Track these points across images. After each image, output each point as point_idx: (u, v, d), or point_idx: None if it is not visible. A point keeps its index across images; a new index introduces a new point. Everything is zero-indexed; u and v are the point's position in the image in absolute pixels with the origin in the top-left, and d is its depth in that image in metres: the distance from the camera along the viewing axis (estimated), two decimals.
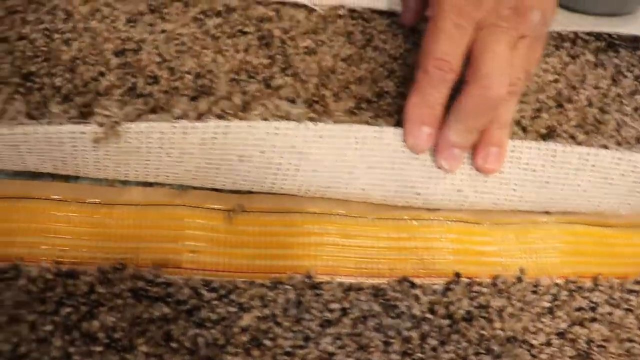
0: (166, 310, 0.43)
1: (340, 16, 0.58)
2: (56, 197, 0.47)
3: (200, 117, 0.44)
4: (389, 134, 0.48)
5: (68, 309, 0.43)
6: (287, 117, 0.46)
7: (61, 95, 0.49)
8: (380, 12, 0.59)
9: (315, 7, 0.58)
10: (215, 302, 0.44)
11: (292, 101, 0.51)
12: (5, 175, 0.48)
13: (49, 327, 0.42)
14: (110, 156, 0.45)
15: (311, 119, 0.46)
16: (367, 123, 0.48)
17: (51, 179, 0.48)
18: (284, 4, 0.58)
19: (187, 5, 0.56)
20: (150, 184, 0.49)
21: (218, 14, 0.56)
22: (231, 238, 0.48)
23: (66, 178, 0.48)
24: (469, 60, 0.48)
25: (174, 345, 0.42)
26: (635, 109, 0.59)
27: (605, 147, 0.52)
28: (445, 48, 0.48)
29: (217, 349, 0.42)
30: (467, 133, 0.49)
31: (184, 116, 0.44)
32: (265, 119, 0.45)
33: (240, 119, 0.45)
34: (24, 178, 0.48)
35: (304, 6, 0.58)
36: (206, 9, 0.56)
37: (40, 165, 0.46)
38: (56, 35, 0.53)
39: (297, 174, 0.47)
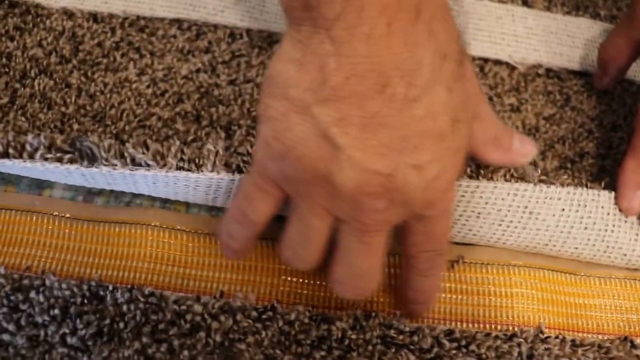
0: (412, 357, 0.46)
1: (539, 75, 0.60)
2: None
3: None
4: (605, 197, 0.50)
5: (322, 352, 0.45)
6: (523, 178, 0.48)
7: None
8: (574, 72, 0.61)
9: (517, 65, 0.60)
10: (454, 352, 0.46)
11: None
12: None
13: None
14: None
15: (541, 181, 0.49)
16: (586, 186, 0.50)
17: None
18: (486, 60, 0.60)
19: None
20: None
21: None
22: (453, 287, 0.50)
23: None
24: None
25: None
26: None
27: None
28: None
29: None
30: None
31: None
32: (507, 180, 0.47)
33: (487, 179, 0.47)
34: None
35: (506, 63, 0.60)
36: None
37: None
38: None
39: (523, 232, 0.50)
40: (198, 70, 0.55)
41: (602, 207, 0.50)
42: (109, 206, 0.51)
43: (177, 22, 0.58)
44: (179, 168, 0.45)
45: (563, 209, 0.49)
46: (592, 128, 0.58)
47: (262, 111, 0.38)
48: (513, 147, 0.46)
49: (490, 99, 0.57)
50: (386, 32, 0.33)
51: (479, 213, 0.48)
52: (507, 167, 0.47)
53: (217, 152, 0.45)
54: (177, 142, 0.45)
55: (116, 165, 0.44)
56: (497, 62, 0.60)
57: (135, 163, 0.44)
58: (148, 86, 0.54)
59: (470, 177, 0.47)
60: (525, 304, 0.50)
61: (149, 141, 0.45)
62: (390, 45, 0.34)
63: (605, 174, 0.55)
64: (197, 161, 0.45)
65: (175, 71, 0.55)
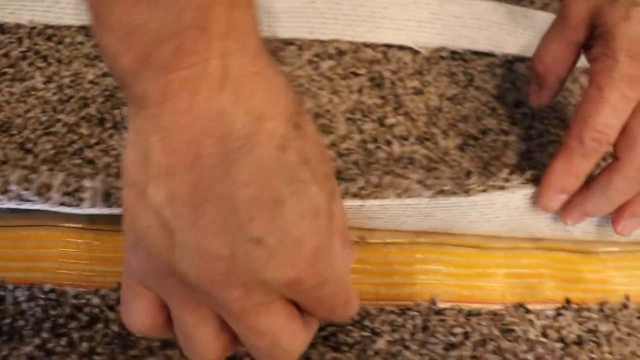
0: None
1: (442, 57, 0.61)
2: None
3: (344, 196, 0.48)
4: (518, 196, 0.50)
5: None
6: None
7: None
8: (478, 53, 0.62)
9: (420, 50, 0.61)
10: (350, 327, 0.48)
11: (405, 139, 0.55)
12: None
13: None
14: None
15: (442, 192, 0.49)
16: (502, 188, 0.50)
17: None
18: (390, 46, 0.61)
19: (301, 48, 0.60)
20: None
21: (330, 56, 0.60)
22: (354, 267, 0.51)
23: None
24: (623, 131, 0.46)
25: None
26: None
27: None
28: (608, 120, 0.45)
29: None
30: (609, 207, 0.49)
31: None
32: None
33: (373, 197, 0.48)
34: None
35: (410, 48, 0.61)
36: (320, 52, 0.60)
37: None
38: None
39: (423, 223, 0.51)
40: (104, 75, 0.57)
41: (516, 208, 0.51)
42: (17, 211, 0.52)
43: (84, 29, 0.60)
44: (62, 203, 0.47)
45: (465, 213, 0.50)
46: (495, 106, 0.59)
47: (121, 204, 0.36)
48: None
49: (393, 83, 0.59)
50: (190, 105, 0.32)
51: (369, 218, 0.49)
52: None
53: (94, 189, 0.47)
54: (61, 175, 0.47)
55: (2, 200, 0.47)
56: (401, 48, 0.61)
57: (21, 199, 0.46)
58: (54, 93, 0.56)
59: (355, 195, 0.48)
60: (428, 280, 0.51)
61: (32, 176, 0.47)
62: (197, 115, 0.32)
63: (508, 149, 0.57)
64: (77, 195, 0.47)
65: (82, 77, 0.57)
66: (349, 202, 0.47)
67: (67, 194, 0.47)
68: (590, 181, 0.48)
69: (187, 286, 0.34)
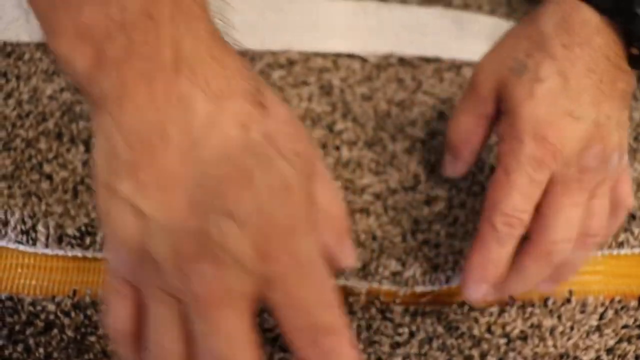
0: None
1: (390, 64, 0.63)
2: None
3: None
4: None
5: None
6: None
7: None
8: (427, 59, 0.64)
9: (368, 57, 0.63)
10: None
11: (354, 143, 0.57)
12: None
13: None
14: None
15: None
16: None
17: None
18: (339, 55, 0.63)
19: (254, 59, 0.62)
20: None
21: (281, 66, 0.62)
22: None
23: None
24: (536, 211, 0.46)
25: None
26: None
27: None
28: (518, 204, 0.44)
29: None
30: (526, 288, 0.48)
31: None
32: None
33: None
34: None
35: (359, 56, 0.63)
36: (271, 62, 0.62)
37: None
38: None
39: None
40: (62, 90, 0.59)
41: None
42: None
43: (43, 45, 0.61)
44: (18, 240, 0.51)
45: None
46: (443, 109, 0.61)
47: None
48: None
49: (342, 90, 0.60)
50: (148, 95, 0.33)
51: None
52: None
53: (48, 234, 0.51)
54: (17, 214, 0.51)
55: None
56: (351, 56, 0.63)
57: None
58: (13, 109, 0.57)
59: None
60: None
61: None
62: (158, 104, 0.33)
63: None
64: (32, 235, 0.50)
65: (41, 92, 0.58)
66: None
67: (23, 232, 0.50)
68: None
69: (158, 269, 0.34)
